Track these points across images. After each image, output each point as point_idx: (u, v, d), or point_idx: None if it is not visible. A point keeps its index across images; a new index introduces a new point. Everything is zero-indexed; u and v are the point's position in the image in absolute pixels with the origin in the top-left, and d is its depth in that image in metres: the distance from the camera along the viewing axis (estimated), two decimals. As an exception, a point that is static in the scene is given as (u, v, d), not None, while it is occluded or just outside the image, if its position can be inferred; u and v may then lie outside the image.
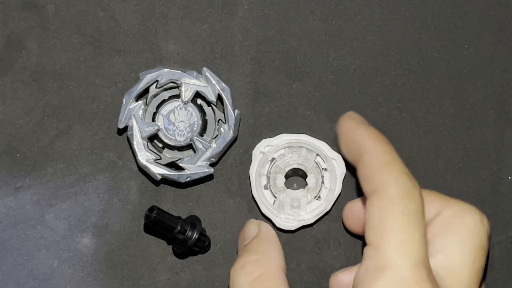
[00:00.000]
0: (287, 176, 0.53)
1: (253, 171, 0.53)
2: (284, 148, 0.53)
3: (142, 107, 0.53)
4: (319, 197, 0.53)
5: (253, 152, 0.53)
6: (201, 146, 0.52)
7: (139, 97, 0.53)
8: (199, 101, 0.54)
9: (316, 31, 0.55)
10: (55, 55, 0.54)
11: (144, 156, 0.52)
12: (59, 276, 0.53)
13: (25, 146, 0.53)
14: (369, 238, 0.41)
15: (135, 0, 0.54)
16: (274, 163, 0.53)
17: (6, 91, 0.54)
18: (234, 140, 0.53)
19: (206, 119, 0.53)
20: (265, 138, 0.53)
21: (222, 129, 0.53)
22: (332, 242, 0.53)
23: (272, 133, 0.54)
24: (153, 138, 0.53)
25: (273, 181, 0.53)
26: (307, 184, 0.53)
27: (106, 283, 0.53)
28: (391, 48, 0.55)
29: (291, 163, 0.53)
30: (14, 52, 0.54)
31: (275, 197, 0.53)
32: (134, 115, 0.52)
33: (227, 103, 0.53)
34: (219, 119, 0.53)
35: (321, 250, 0.53)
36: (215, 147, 0.52)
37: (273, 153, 0.53)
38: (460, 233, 0.43)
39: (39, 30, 0.54)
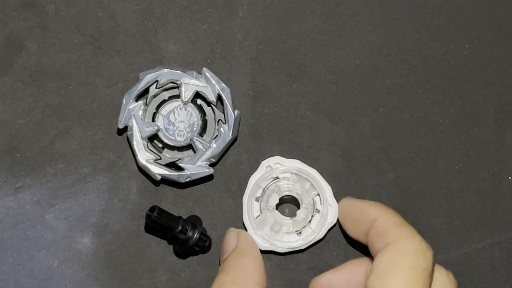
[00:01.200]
0: (281, 200, 0.52)
1: (253, 179, 0.52)
2: (291, 173, 0.52)
3: (142, 107, 0.53)
4: (300, 233, 0.52)
5: (262, 162, 0.52)
6: (201, 146, 0.52)
7: (139, 97, 0.53)
8: (199, 101, 0.54)
9: (316, 31, 0.55)
10: (55, 55, 0.54)
11: (144, 156, 0.52)
12: (59, 276, 0.53)
13: (25, 146, 0.53)
14: (370, 282, 0.42)
15: (135, 0, 0.54)
16: (275, 181, 0.52)
17: (6, 91, 0.54)
18: (234, 141, 0.53)
19: (206, 119, 0.53)
20: (279, 155, 0.53)
21: (222, 129, 0.53)
22: (332, 242, 0.53)
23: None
24: (153, 138, 0.53)
25: (267, 197, 0.52)
26: (296, 215, 0.52)
27: (106, 283, 0.53)
28: (391, 48, 0.55)
29: (291, 189, 0.52)
30: (14, 52, 0.54)
31: (261, 213, 0.52)
32: (134, 115, 0.52)
33: (227, 103, 0.53)
34: (219, 119, 0.53)
35: (321, 250, 0.53)
36: (215, 147, 0.52)
37: (280, 173, 0.52)
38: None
39: (39, 30, 0.54)
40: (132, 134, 0.52)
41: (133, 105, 0.52)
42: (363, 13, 0.55)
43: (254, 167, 0.53)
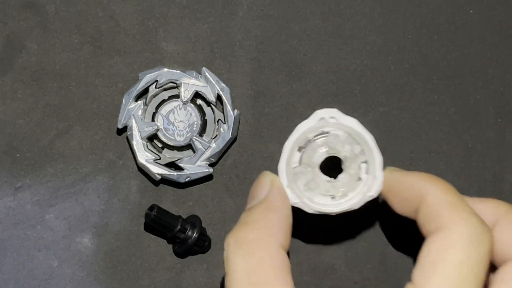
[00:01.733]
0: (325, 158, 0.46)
1: (302, 127, 0.46)
2: (344, 132, 0.46)
3: (142, 107, 0.53)
4: (335, 197, 0.46)
5: (317, 112, 0.46)
6: (201, 146, 0.52)
7: (138, 97, 0.53)
8: (198, 101, 0.54)
9: (316, 31, 0.55)
10: (55, 55, 0.54)
11: (144, 156, 0.52)
12: (59, 276, 0.53)
13: (25, 146, 0.53)
14: (415, 275, 0.38)
15: (135, 0, 0.54)
16: (324, 136, 0.46)
17: (6, 91, 0.54)
18: (233, 140, 0.53)
19: (206, 119, 0.53)
20: (338, 109, 0.46)
21: (221, 129, 0.53)
22: (333, 242, 0.53)
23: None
24: (152, 138, 0.53)
25: (311, 151, 0.46)
26: (336, 178, 0.46)
27: (106, 283, 0.53)
28: (391, 48, 0.55)
29: (339, 150, 0.46)
30: (14, 52, 0.54)
31: (299, 165, 0.45)
32: (134, 115, 0.52)
33: (227, 103, 0.53)
34: (219, 119, 0.53)
35: (321, 250, 0.53)
36: (215, 147, 0.52)
37: (332, 128, 0.46)
38: None
39: (39, 30, 0.54)
40: (131, 134, 0.52)
41: (133, 105, 0.52)
42: (363, 13, 0.55)
43: (254, 167, 0.53)
